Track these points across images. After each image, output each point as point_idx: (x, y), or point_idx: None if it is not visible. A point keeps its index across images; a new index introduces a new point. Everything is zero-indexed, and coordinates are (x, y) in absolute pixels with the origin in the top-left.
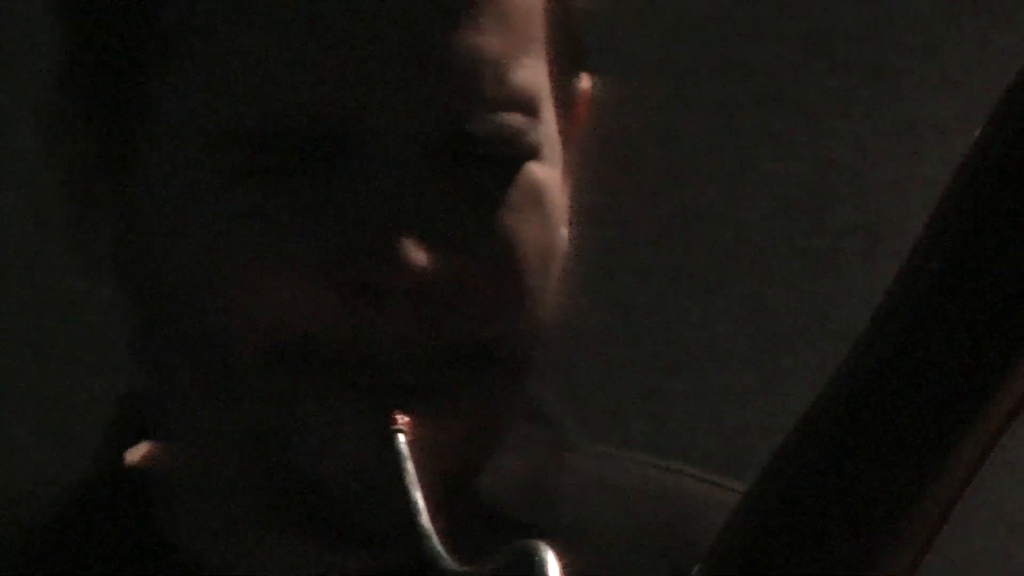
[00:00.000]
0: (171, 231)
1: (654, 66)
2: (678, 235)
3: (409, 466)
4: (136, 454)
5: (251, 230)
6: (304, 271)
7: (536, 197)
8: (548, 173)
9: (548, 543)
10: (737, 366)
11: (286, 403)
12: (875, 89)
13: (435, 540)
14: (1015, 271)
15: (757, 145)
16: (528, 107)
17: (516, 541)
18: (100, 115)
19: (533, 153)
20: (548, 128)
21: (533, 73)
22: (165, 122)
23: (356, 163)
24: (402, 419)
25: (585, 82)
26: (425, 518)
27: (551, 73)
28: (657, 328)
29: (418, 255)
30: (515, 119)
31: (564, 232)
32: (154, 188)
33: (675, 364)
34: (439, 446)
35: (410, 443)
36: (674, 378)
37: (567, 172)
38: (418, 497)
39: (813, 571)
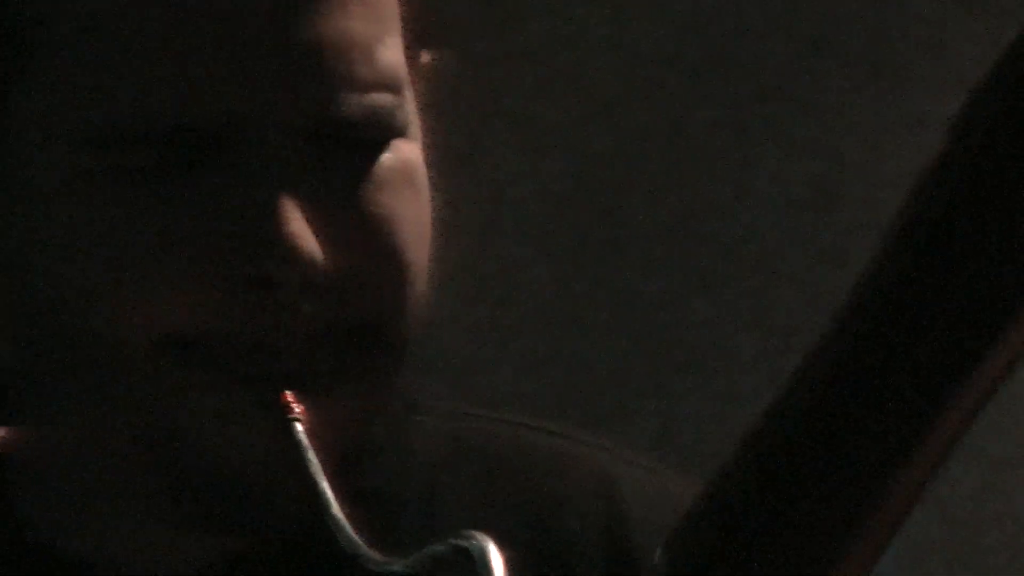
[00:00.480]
0: (49, 235)
1: (662, 62)
2: (686, 232)
3: (311, 455)
4: None
5: (135, 230)
6: (193, 268)
7: (409, 174)
8: (415, 150)
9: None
10: (744, 364)
11: (178, 397)
12: (883, 86)
13: (350, 530)
14: (994, 249)
15: (765, 142)
16: (395, 87)
17: (456, 534)
18: None
19: (401, 131)
20: (411, 105)
21: (396, 52)
22: (36, 125)
23: (235, 155)
24: (298, 408)
25: (425, 57)
26: (337, 508)
27: (406, 51)
28: (664, 326)
29: (307, 243)
30: (385, 99)
31: (430, 209)
32: (30, 196)
33: (682, 362)
34: (332, 430)
35: (307, 431)
36: (681, 376)
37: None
38: (326, 487)
39: (783, 554)
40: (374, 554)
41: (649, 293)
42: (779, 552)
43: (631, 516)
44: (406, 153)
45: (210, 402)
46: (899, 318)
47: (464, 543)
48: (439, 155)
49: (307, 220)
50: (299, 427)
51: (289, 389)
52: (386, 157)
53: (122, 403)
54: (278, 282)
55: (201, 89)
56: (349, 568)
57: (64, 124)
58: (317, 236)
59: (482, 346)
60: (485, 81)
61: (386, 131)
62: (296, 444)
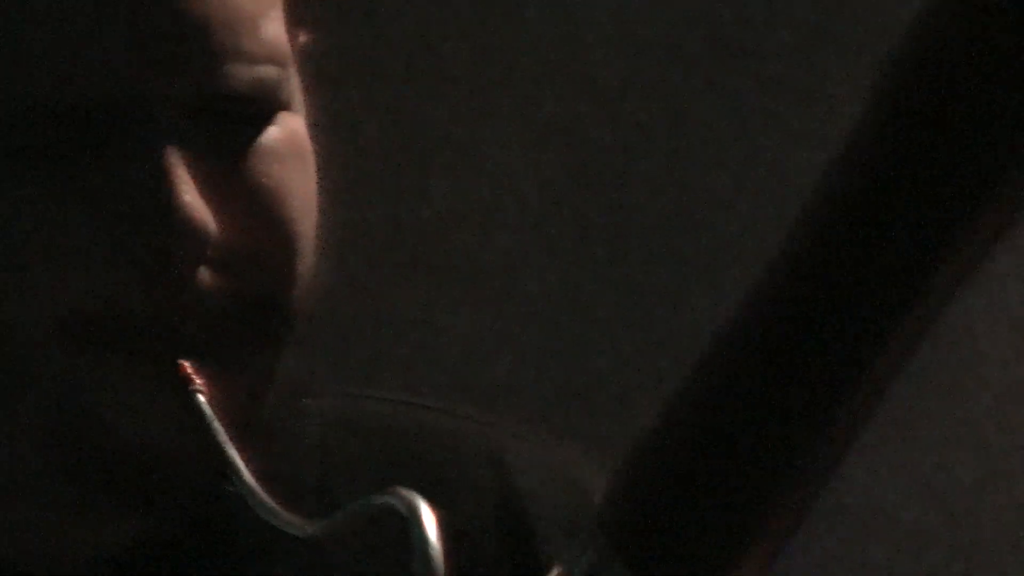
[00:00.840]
0: None
1: (663, 52)
2: (687, 224)
3: (217, 425)
4: None
5: (32, 211)
6: (90, 246)
7: (296, 146)
8: (301, 122)
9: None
10: None
11: (81, 377)
12: None
13: (266, 495)
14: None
15: (766, 133)
16: (280, 60)
17: (379, 492)
18: None
19: (287, 104)
20: (295, 79)
21: (280, 26)
22: None
23: (127, 132)
24: (199, 379)
25: (303, 37)
26: (248, 475)
27: (287, 28)
28: (666, 319)
29: (201, 215)
30: (271, 72)
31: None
32: None
33: (684, 355)
34: (233, 402)
35: (209, 402)
36: (683, 370)
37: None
38: (235, 455)
39: (717, 506)
40: (292, 517)
41: (650, 286)
42: (714, 504)
43: (523, 489)
44: (292, 125)
45: (112, 380)
46: (821, 280)
47: (392, 500)
48: (440, 149)
49: (200, 193)
50: (201, 398)
51: (190, 360)
52: (273, 129)
53: (25, 385)
54: (174, 255)
55: (91, 68)
56: (258, 540)
57: None
58: (211, 209)
59: (482, 340)
60: (485, 72)
61: (272, 104)
62: (201, 415)
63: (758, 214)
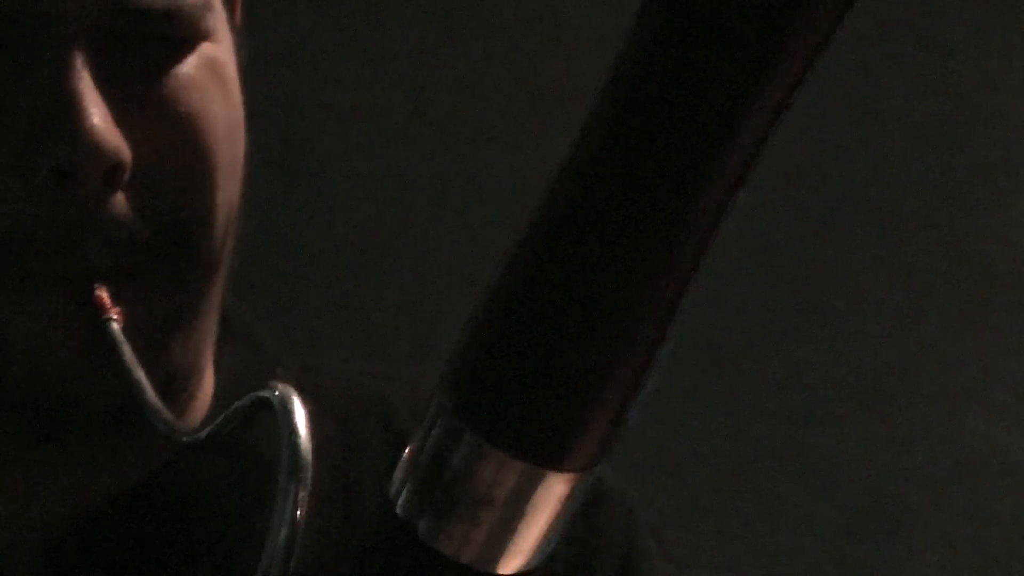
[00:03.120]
0: None
1: None
2: (813, 173)
3: (127, 349)
4: None
5: None
6: None
7: (218, 76)
8: (226, 55)
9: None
10: (871, 305)
11: None
12: (1008, 23)
13: (167, 413)
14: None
15: (891, 79)
16: None
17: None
18: None
19: (207, 34)
20: (218, 12)
21: None
22: None
23: (31, 46)
24: (113, 308)
25: None
26: (152, 394)
27: None
28: (791, 268)
29: (109, 135)
30: None
31: (242, 114)
32: None
33: (813, 303)
34: (144, 331)
35: (123, 331)
36: (810, 319)
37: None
38: (141, 375)
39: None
40: (184, 426)
41: (771, 231)
42: (551, 361)
43: (408, 429)
44: (215, 53)
45: (17, 303)
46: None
47: (265, 393)
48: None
49: (110, 113)
50: (115, 327)
51: (94, 285)
52: (192, 57)
53: None
54: (81, 175)
55: None
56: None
57: None
58: (120, 130)
59: None
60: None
61: (191, 30)
62: (111, 339)
63: (882, 162)
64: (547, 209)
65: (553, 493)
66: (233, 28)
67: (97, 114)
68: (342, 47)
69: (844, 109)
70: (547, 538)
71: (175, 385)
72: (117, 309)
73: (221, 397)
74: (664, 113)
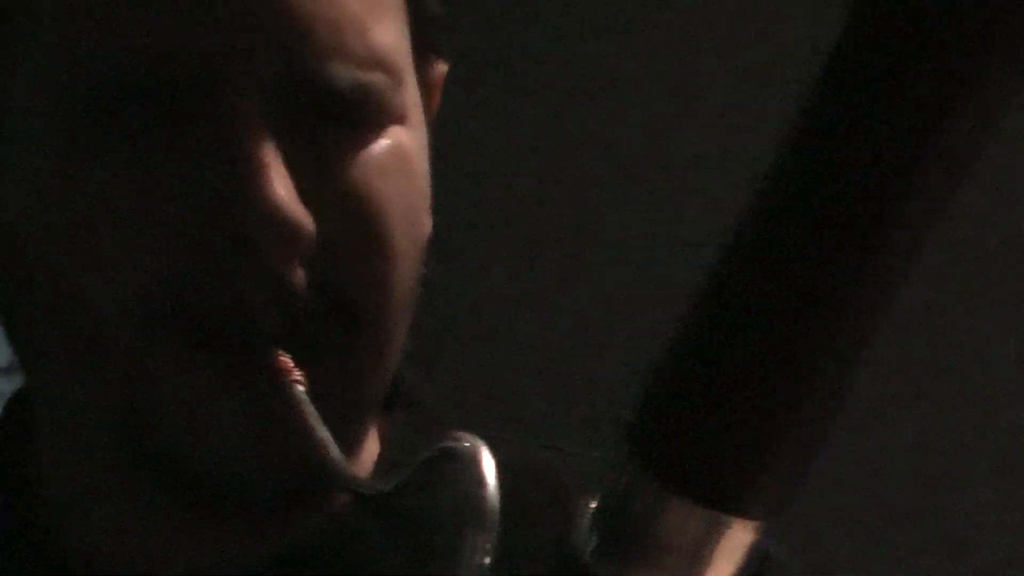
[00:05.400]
0: (32, 202)
1: None
2: (946, 235)
3: (311, 408)
4: (23, 448)
5: (116, 189)
6: (174, 227)
7: (403, 161)
8: (414, 139)
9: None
10: (1005, 371)
11: (158, 365)
12: None
13: (352, 470)
14: None
15: None
16: (391, 70)
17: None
18: None
19: (399, 118)
20: (412, 97)
21: (394, 39)
22: (16, 87)
23: (219, 114)
24: (298, 372)
25: (441, 67)
26: (337, 451)
27: (412, 51)
28: (929, 331)
29: (290, 207)
30: (378, 78)
31: (427, 202)
32: (11, 158)
33: (946, 365)
34: (328, 398)
35: (308, 393)
36: (944, 382)
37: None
38: (326, 433)
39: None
40: (371, 482)
41: (911, 295)
42: (737, 413)
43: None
44: (401, 138)
45: (194, 367)
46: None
47: (453, 444)
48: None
49: (297, 191)
50: (300, 388)
51: (269, 352)
52: (379, 140)
53: (104, 380)
54: (261, 245)
55: (188, 44)
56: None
57: (47, 83)
58: (300, 203)
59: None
60: (741, 84)
61: (379, 113)
62: (296, 400)
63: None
64: (730, 259)
65: (737, 540)
66: (428, 114)
67: (283, 186)
68: (474, 111)
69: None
70: None
71: (344, 450)
72: (301, 372)
73: (387, 461)
74: (848, 163)
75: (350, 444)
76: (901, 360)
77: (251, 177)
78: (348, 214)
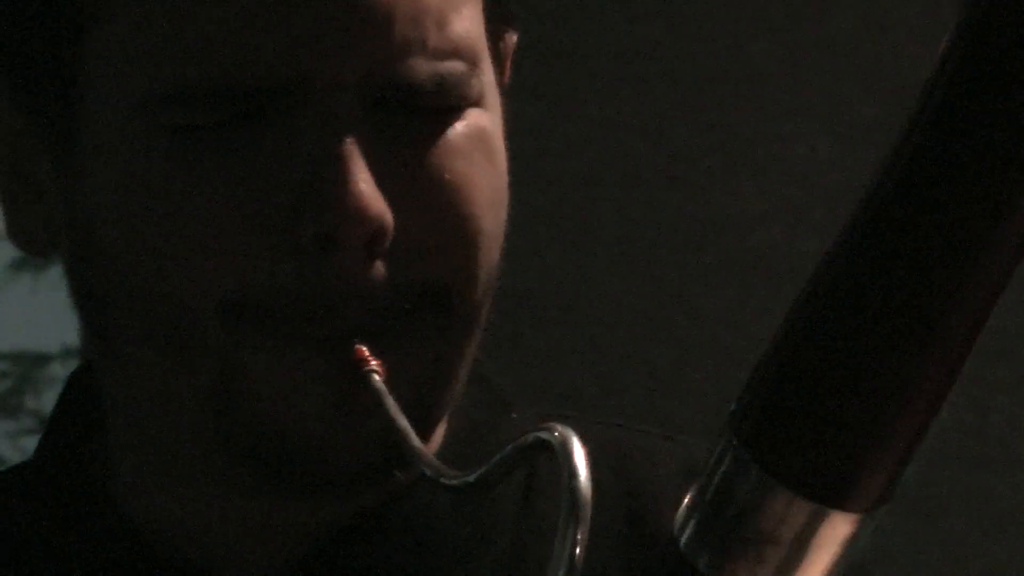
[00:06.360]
0: (118, 200)
1: None
2: None
3: (390, 399)
4: (89, 427)
5: (202, 189)
6: (259, 226)
7: (483, 143)
8: (492, 120)
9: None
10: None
11: (246, 359)
12: None
13: (434, 459)
14: None
15: None
16: (469, 56)
17: (535, 427)
18: (33, 90)
19: (476, 100)
20: (488, 78)
21: (472, 24)
22: (105, 88)
23: (301, 114)
24: (375, 361)
25: (512, 38)
26: (417, 440)
27: (486, 29)
28: None
29: (373, 202)
30: (457, 67)
31: (507, 182)
32: (98, 158)
33: (999, 349)
34: (403, 387)
35: (385, 382)
36: (998, 366)
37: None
38: (405, 422)
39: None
40: (455, 472)
41: None
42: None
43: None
44: (480, 121)
45: (277, 362)
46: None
47: (545, 434)
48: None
49: (375, 181)
50: (377, 378)
51: (355, 346)
52: (459, 124)
53: (193, 370)
54: (344, 240)
55: (272, 47)
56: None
57: (132, 85)
58: (385, 197)
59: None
60: (795, 71)
61: (458, 99)
62: (374, 390)
63: None
64: (840, 255)
65: (837, 533)
66: (501, 87)
67: (363, 181)
68: (529, 97)
69: None
70: None
71: (422, 435)
72: (378, 362)
73: (453, 439)
74: (961, 158)
75: (430, 426)
76: None
77: (332, 174)
78: (433, 202)
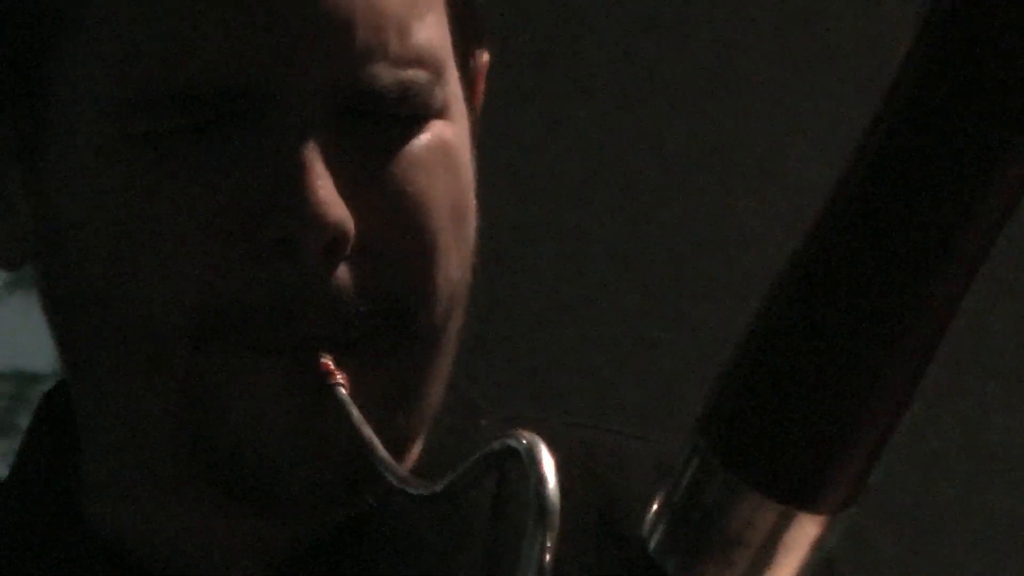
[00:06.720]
0: (84, 210)
1: None
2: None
3: (354, 409)
4: (62, 445)
5: (163, 196)
6: (222, 232)
7: (446, 156)
8: (456, 133)
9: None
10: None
11: (213, 374)
12: None
13: (400, 468)
14: None
15: None
16: (431, 65)
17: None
18: (5, 100)
19: (440, 111)
20: (453, 89)
21: (435, 33)
22: (70, 97)
23: (264, 121)
24: (340, 375)
25: (484, 57)
26: (383, 450)
27: (453, 43)
28: (979, 332)
29: (333, 209)
30: (419, 75)
31: (473, 196)
32: (65, 168)
33: (996, 366)
34: (363, 409)
35: (350, 395)
36: (994, 383)
37: (473, 139)
38: (370, 432)
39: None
40: (422, 482)
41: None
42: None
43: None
44: (444, 133)
45: (239, 370)
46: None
47: (512, 442)
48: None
49: (336, 188)
50: (342, 390)
51: (320, 356)
52: (422, 136)
53: (161, 385)
54: (304, 245)
55: (233, 53)
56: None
57: (97, 92)
58: (346, 204)
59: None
60: (792, 87)
61: (422, 108)
62: (339, 401)
63: None
64: (804, 256)
65: (805, 535)
66: (471, 107)
67: (323, 187)
68: (521, 110)
69: None
70: None
71: (396, 451)
72: (343, 374)
73: (428, 447)
74: (923, 162)
75: (403, 443)
76: (951, 362)
77: (293, 180)
78: (392, 212)
